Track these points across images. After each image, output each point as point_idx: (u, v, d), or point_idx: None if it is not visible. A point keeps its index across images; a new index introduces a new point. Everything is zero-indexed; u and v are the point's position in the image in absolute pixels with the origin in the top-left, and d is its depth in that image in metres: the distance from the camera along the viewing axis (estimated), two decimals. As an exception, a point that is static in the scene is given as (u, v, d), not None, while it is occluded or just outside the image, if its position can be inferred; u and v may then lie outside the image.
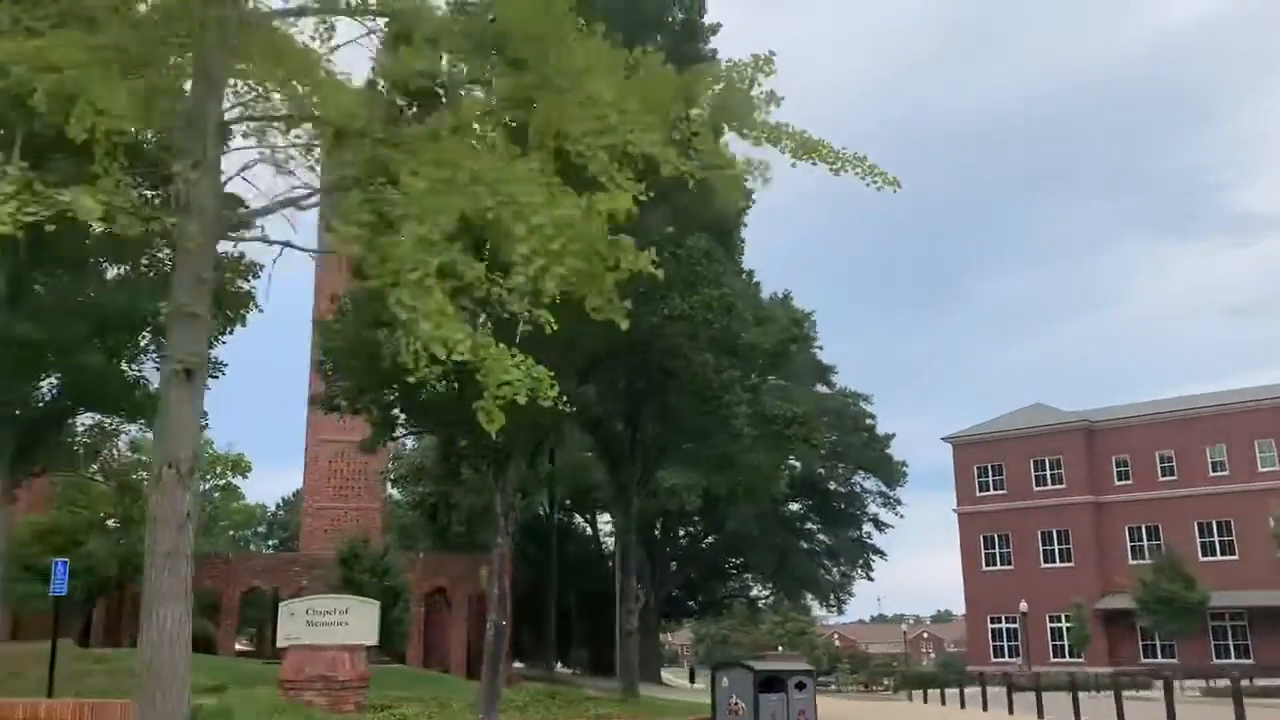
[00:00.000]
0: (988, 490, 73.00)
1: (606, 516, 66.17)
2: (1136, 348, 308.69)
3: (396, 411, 22.21)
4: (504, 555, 21.72)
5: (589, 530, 67.35)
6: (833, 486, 57.57)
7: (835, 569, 60.57)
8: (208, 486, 54.58)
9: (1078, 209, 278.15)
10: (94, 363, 22.91)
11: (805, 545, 59.87)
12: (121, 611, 48.60)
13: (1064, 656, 64.71)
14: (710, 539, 60.94)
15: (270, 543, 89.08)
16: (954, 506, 74.05)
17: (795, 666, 17.41)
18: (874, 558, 60.53)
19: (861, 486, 55.65)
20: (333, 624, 34.58)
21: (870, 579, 60.57)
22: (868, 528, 59.57)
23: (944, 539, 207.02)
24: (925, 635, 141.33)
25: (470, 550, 57.66)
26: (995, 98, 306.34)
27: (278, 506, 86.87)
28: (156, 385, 25.35)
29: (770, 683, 14.69)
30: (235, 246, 26.59)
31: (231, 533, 71.57)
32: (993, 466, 72.94)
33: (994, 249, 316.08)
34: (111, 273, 24.91)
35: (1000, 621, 70.40)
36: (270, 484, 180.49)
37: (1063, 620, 64.93)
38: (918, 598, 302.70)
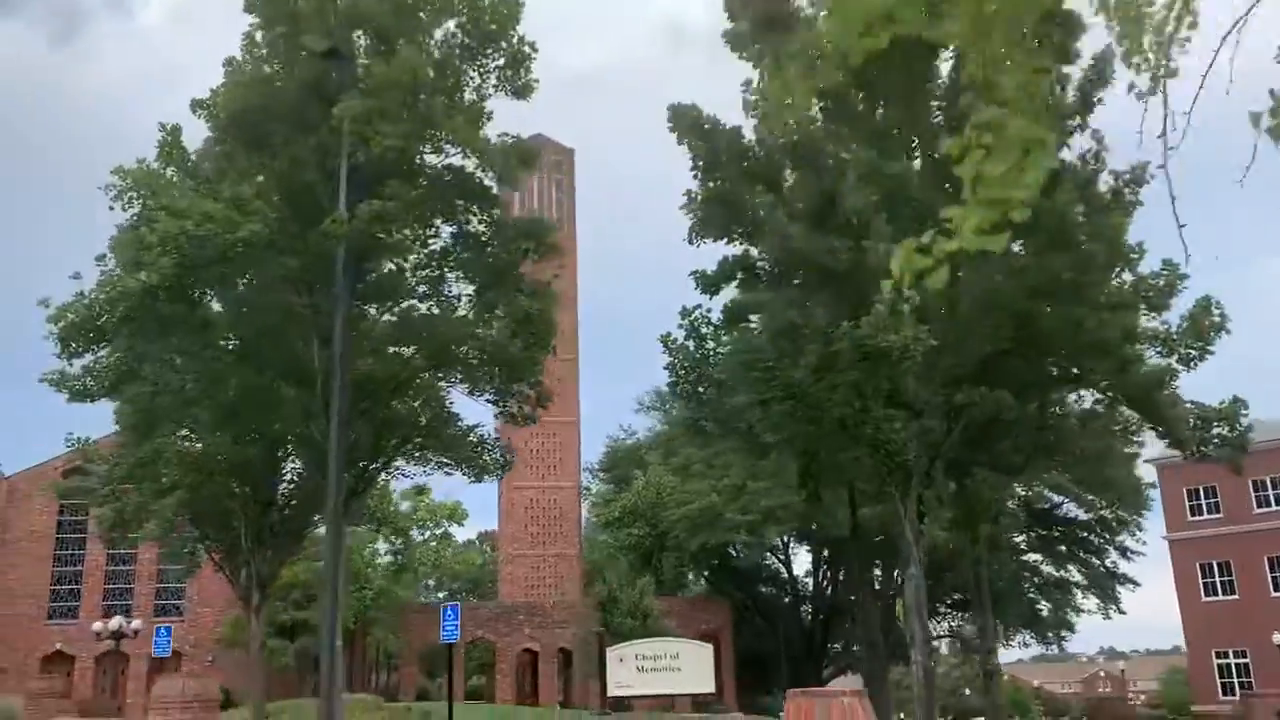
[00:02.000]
0: (1200, 514, 68.53)
1: (805, 560, 63.88)
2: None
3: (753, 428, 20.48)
4: (920, 587, 19.95)
5: (784, 572, 65.02)
6: (1067, 511, 54.44)
7: (1069, 603, 57.15)
8: (426, 535, 54.34)
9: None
10: (428, 399, 22.16)
11: (1036, 579, 56.75)
12: (352, 662, 48.21)
13: (1308, 692, 59.68)
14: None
15: (439, 594, 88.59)
16: (1163, 533, 70.03)
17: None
18: (1120, 589, 56.81)
19: (1114, 512, 52.31)
20: (664, 669, 33.54)
21: (1122, 612, 56.79)
22: (1113, 557, 56.01)
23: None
24: (1102, 674, 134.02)
25: (674, 591, 56.13)
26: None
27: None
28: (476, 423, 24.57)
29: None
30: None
31: (428, 583, 70.94)
32: (1204, 489, 68.38)
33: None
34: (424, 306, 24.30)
35: (1228, 656, 65.68)
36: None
37: (1304, 652, 59.87)
38: (1080, 634, 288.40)
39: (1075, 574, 57.13)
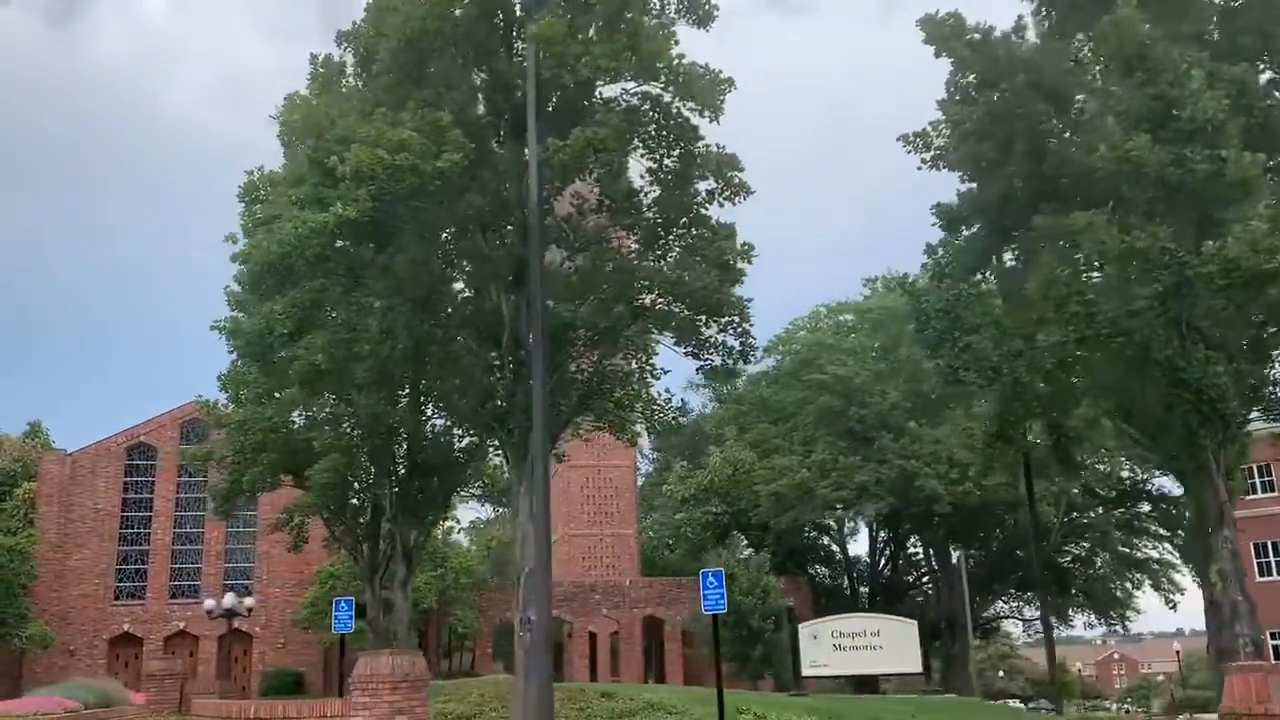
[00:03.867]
0: (1255, 493, 67.81)
1: (862, 540, 62.33)
2: None
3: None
4: (1235, 553, 18.39)
5: (839, 553, 63.64)
6: (1159, 487, 53.35)
7: (1145, 582, 56.15)
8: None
9: None
10: (634, 350, 20.45)
11: (1108, 557, 55.74)
12: (427, 643, 46.24)
13: (1371, 673, 59.14)
14: (974, 553, 56.92)
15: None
16: (1217, 513, 69.52)
17: None
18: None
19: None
20: (863, 647, 31.88)
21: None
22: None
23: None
24: (1116, 656, 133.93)
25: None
26: None
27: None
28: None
29: None
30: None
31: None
32: (1259, 467, 67.69)
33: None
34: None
35: (1280, 638, 65.12)
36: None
37: (1367, 632, 59.27)
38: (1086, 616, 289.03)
39: (1163, 553, 56.08)
